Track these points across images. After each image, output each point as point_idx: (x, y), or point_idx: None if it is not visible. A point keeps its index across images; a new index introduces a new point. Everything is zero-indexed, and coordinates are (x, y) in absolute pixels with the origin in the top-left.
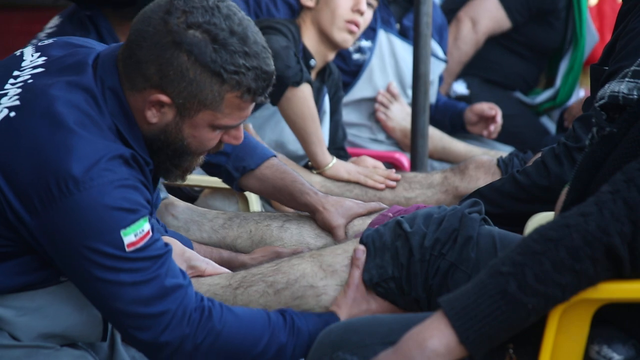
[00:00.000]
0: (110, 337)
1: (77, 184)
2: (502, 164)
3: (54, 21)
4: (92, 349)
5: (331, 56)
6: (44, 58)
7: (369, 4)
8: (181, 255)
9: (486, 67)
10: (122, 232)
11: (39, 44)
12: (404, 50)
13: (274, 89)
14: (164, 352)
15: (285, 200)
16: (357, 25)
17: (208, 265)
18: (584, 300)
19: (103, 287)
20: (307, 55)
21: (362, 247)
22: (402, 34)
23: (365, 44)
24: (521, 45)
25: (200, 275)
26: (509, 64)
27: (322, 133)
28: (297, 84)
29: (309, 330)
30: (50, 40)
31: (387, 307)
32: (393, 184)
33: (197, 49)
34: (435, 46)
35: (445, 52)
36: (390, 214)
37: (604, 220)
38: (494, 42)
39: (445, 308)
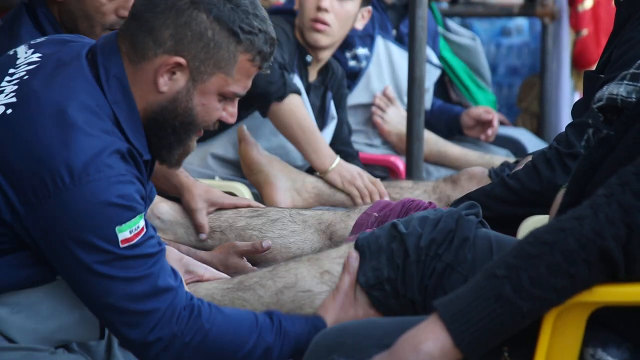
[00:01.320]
0: (107, 340)
1: (72, 178)
2: (493, 174)
3: None
4: (88, 352)
5: (322, 54)
6: (38, 55)
7: None
8: (179, 260)
9: None
10: (117, 229)
11: (32, 42)
12: (401, 57)
13: (261, 104)
14: (152, 351)
15: (161, 183)
16: (323, 22)
17: (206, 270)
18: (578, 304)
19: (95, 281)
20: (302, 52)
21: (355, 254)
22: (399, 40)
23: (362, 51)
24: None
25: (199, 281)
26: None
27: (316, 140)
28: (281, 98)
29: (296, 333)
30: (43, 38)
31: (373, 315)
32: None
33: (216, 8)
34: (429, 52)
35: (438, 58)
36: (375, 213)
37: (599, 223)
38: None
39: (441, 311)
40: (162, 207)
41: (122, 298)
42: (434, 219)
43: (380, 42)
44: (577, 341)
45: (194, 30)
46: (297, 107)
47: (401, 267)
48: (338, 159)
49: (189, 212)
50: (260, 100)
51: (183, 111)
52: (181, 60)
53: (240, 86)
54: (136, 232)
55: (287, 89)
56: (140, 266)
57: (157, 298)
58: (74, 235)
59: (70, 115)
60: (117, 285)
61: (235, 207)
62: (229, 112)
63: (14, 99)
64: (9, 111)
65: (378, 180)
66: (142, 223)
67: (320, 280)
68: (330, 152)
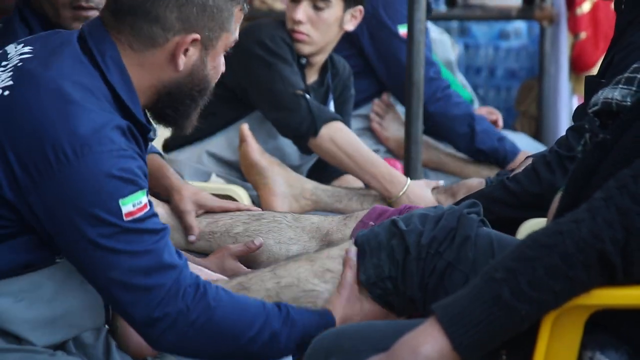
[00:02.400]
0: (105, 342)
1: (75, 151)
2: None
3: None
4: (85, 355)
5: (313, 58)
6: (29, 47)
7: (316, 6)
8: None
9: None
10: (121, 202)
11: (21, 39)
12: None
13: (300, 145)
14: (157, 329)
15: (152, 185)
16: (301, 33)
17: (201, 272)
18: (577, 306)
19: (99, 256)
20: (297, 55)
21: (354, 249)
22: None
23: None
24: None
25: None
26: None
27: (371, 164)
28: (316, 132)
29: (304, 323)
30: (32, 36)
31: (378, 309)
32: None
33: None
34: None
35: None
36: (372, 222)
37: (597, 226)
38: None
39: (439, 314)
40: (157, 211)
41: (126, 272)
42: (434, 216)
43: None
44: (575, 344)
45: (196, 4)
46: (339, 135)
47: (401, 264)
48: (408, 184)
49: (178, 213)
50: (296, 141)
51: (200, 81)
52: (195, 36)
53: (236, 34)
54: (139, 206)
55: (319, 122)
56: (144, 241)
57: (162, 273)
58: (77, 209)
59: (68, 92)
60: (121, 258)
61: (225, 210)
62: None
63: (10, 82)
64: (7, 92)
65: None
66: (144, 199)
67: (322, 279)
68: (396, 176)
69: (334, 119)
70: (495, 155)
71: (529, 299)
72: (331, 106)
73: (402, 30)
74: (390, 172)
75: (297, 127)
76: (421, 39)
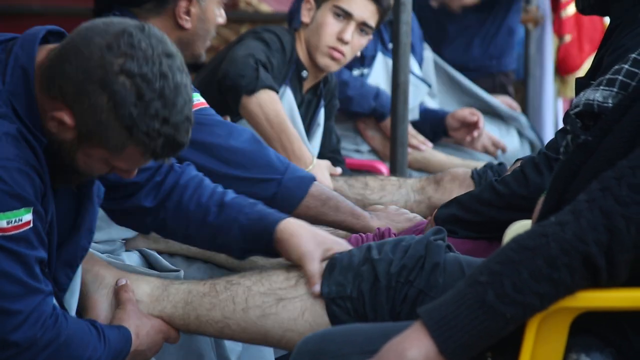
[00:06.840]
0: None
1: None
2: (476, 176)
3: None
4: None
5: (322, 74)
6: None
7: (362, 30)
8: (313, 237)
9: None
10: None
11: None
12: None
13: (231, 98)
14: (9, 352)
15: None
16: (341, 53)
17: (340, 246)
18: (561, 309)
19: None
20: (299, 66)
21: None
22: None
23: (367, 71)
24: None
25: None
26: None
27: (286, 138)
28: (251, 92)
29: (115, 341)
30: None
31: (161, 323)
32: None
33: (120, 98)
34: (413, 64)
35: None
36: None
37: (581, 228)
38: None
39: (424, 318)
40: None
41: None
42: (405, 245)
43: (380, 58)
44: (560, 346)
45: (91, 105)
46: (268, 102)
47: (370, 292)
48: (313, 164)
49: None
50: (230, 92)
51: (65, 156)
52: (69, 121)
53: (128, 165)
54: (16, 224)
55: (259, 84)
56: (9, 262)
57: (23, 299)
58: None
59: None
60: None
61: None
62: (125, 174)
63: None
64: None
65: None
66: (27, 217)
67: (294, 286)
68: (304, 156)
69: (272, 87)
70: (375, 114)
71: (513, 302)
72: (322, 112)
73: None
74: (302, 151)
75: (236, 79)
76: (406, 41)
